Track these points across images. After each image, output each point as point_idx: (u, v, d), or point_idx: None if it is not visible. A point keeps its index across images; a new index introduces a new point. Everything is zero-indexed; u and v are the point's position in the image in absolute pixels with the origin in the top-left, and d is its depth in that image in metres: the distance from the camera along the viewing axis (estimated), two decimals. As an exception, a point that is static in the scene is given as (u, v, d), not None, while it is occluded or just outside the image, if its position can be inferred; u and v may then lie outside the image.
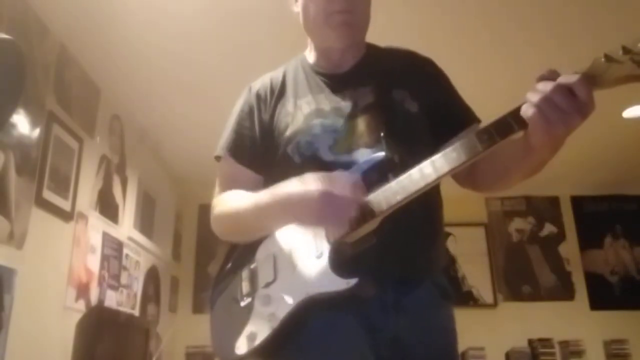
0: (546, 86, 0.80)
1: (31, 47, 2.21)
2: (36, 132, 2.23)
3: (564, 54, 2.35)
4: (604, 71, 0.79)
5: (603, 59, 0.78)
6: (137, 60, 2.70)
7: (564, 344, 4.15)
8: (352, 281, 0.91)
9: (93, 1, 2.27)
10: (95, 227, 2.79)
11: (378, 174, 0.98)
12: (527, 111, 0.81)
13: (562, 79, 0.80)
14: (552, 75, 0.82)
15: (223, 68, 2.74)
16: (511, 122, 0.84)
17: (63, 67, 2.50)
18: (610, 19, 2.42)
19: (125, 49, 2.60)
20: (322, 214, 0.91)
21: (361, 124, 1.08)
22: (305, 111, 1.13)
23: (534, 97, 0.81)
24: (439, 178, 0.90)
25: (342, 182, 0.92)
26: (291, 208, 0.95)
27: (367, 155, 1.03)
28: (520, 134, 0.85)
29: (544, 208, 4.73)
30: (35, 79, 2.23)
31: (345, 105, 1.12)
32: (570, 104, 0.79)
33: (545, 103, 0.80)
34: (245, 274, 1.09)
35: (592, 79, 0.80)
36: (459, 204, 4.08)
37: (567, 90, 0.79)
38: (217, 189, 1.21)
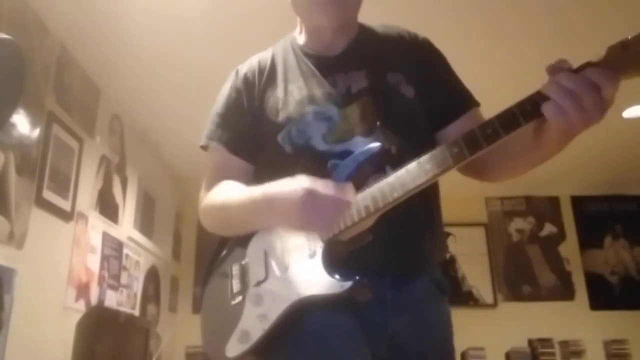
0: (575, 84, 0.71)
1: (31, 47, 2.21)
2: (36, 132, 2.23)
3: (568, 47, 2.34)
4: (620, 61, 0.71)
5: (619, 47, 0.71)
6: (137, 61, 2.70)
7: (564, 344, 4.15)
8: (347, 284, 0.86)
9: (93, 2, 2.26)
10: (95, 227, 2.78)
11: (374, 166, 0.92)
12: (549, 109, 0.73)
13: (590, 75, 0.71)
14: (563, 65, 0.75)
15: (223, 68, 2.71)
16: (518, 115, 0.77)
17: (63, 67, 2.50)
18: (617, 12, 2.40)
19: (125, 49, 2.59)
20: (305, 212, 0.85)
21: (355, 111, 1.01)
22: (296, 97, 1.06)
23: (560, 97, 0.72)
24: (440, 174, 0.84)
25: (330, 185, 0.86)
26: (277, 206, 0.89)
27: (363, 144, 0.95)
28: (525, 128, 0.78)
29: (544, 208, 4.73)
30: (35, 79, 2.23)
31: (338, 90, 1.04)
32: (597, 105, 0.71)
33: (574, 104, 0.71)
34: (235, 270, 1.03)
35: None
36: (459, 204, 4.13)
37: (597, 90, 0.71)
38: (205, 180, 1.13)
